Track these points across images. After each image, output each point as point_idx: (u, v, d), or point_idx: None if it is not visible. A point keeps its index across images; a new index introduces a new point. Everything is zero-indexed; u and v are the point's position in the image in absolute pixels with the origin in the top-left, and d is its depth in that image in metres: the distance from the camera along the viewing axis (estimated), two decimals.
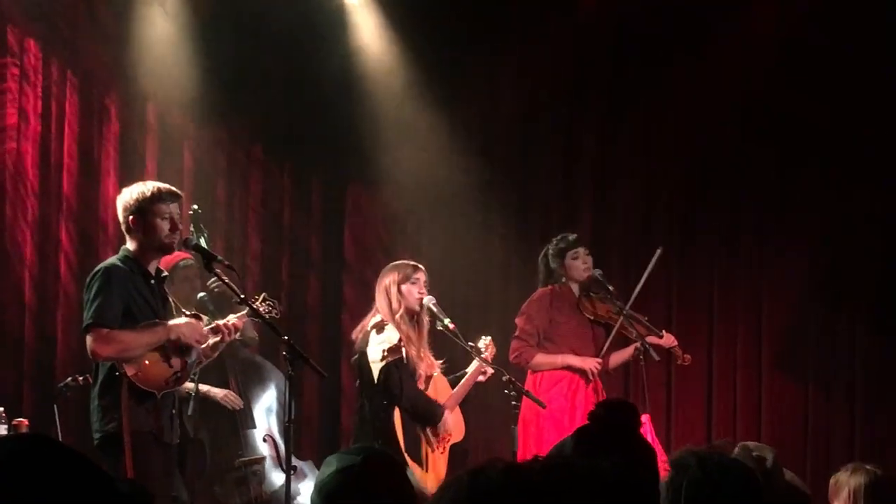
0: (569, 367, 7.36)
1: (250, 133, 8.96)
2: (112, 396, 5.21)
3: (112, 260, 5.47)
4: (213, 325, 5.64)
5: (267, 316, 5.79)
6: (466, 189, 9.23)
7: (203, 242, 5.94)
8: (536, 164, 9.29)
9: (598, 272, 7.46)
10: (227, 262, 5.63)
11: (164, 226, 5.38)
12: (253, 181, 8.99)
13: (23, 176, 7.80)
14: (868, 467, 4.85)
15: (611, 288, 7.44)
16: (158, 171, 8.11)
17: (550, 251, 7.52)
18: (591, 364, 7.34)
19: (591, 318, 7.48)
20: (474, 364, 6.76)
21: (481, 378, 6.80)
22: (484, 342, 6.89)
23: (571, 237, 7.51)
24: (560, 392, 7.33)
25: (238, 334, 5.83)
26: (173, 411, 5.41)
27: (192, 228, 6.64)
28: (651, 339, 7.52)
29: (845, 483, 4.75)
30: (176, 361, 5.36)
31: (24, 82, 7.80)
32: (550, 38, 9.08)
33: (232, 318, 5.70)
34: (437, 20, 8.94)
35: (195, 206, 6.82)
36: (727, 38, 8.78)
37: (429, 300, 6.58)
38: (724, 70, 8.84)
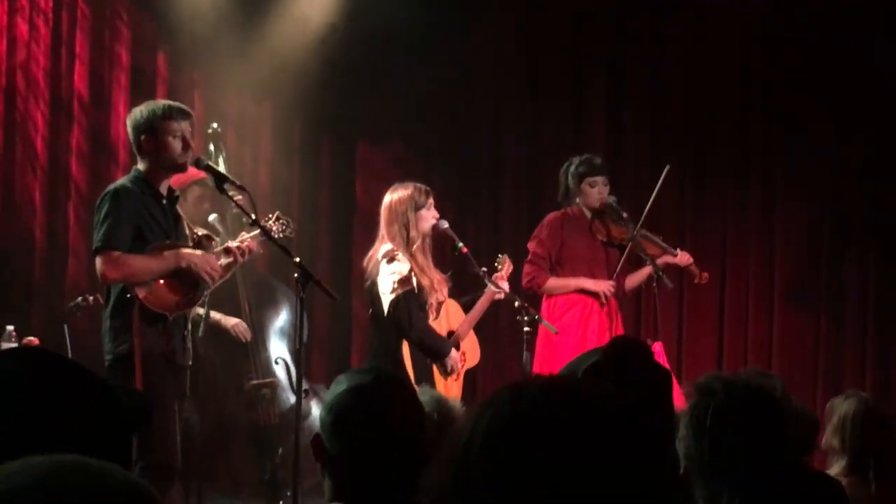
0: (582, 290, 7.32)
1: (262, 89, 8.88)
2: (123, 318, 5.20)
3: (122, 181, 5.42)
4: (224, 245, 5.61)
5: (281, 235, 5.75)
6: (476, 120, 9.24)
7: (221, 161, 5.88)
8: (546, 110, 9.24)
9: (612, 199, 7.37)
10: (238, 183, 5.57)
11: (176, 144, 5.32)
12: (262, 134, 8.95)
13: (34, 87, 7.77)
14: (863, 394, 4.83)
15: (624, 215, 7.36)
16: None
17: (571, 170, 7.43)
18: (604, 286, 7.28)
19: (605, 240, 7.42)
20: (488, 286, 6.71)
21: (498, 296, 6.73)
22: (500, 259, 6.85)
23: (596, 162, 7.39)
24: (574, 316, 7.29)
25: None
26: (185, 333, 5.39)
27: (211, 147, 6.61)
28: (666, 257, 7.46)
29: (838, 407, 4.74)
30: (188, 284, 5.33)
31: None
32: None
33: (246, 238, 5.66)
34: None
35: (214, 125, 6.78)
36: None
37: (442, 223, 6.51)
38: (736, 12, 8.75)
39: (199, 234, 5.54)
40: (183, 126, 5.34)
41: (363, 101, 9.02)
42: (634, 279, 7.51)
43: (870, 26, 8.51)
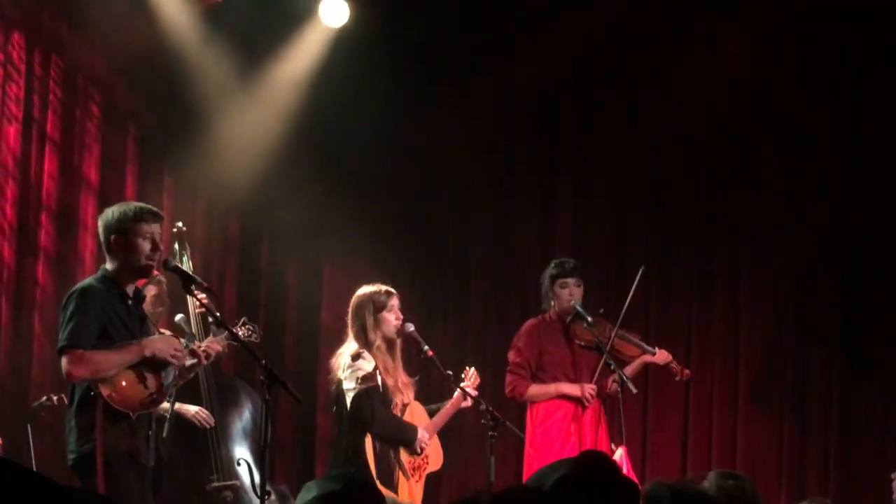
0: (563, 395, 7.34)
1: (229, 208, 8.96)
2: (88, 417, 5.17)
3: (89, 280, 5.43)
4: (189, 347, 5.62)
5: (247, 339, 5.77)
6: (442, 217, 9.29)
7: (185, 261, 5.87)
8: (514, 199, 9.34)
9: (577, 304, 7.40)
10: (205, 284, 5.59)
11: (145, 246, 5.34)
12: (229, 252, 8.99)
13: (1, 179, 7.75)
14: (827, 501, 4.83)
15: (590, 319, 7.37)
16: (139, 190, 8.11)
17: (547, 273, 7.50)
18: (584, 390, 7.30)
19: (583, 343, 7.45)
20: (455, 394, 6.73)
21: (465, 404, 6.75)
22: (466, 372, 6.86)
23: (568, 265, 7.46)
24: (557, 421, 7.30)
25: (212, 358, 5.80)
26: (150, 432, 5.37)
27: (175, 245, 6.62)
28: (645, 357, 7.49)
29: None
30: (152, 383, 5.31)
31: (9, 75, 7.76)
32: (523, 74, 9.15)
33: (212, 341, 5.67)
34: (402, 66, 8.97)
35: (179, 224, 6.81)
36: (697, 63, 8.82)
37: (408, 326, 6.55)
38: (695, 96, 8.90)
39: (166, 334, 5.55)
40: (153, 229, 5.36)
41: (328, 219, 9.06)
42: (609, 382, 7.53)
43: (820, 131, 8.69)
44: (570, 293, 7.40)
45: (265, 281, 9.08)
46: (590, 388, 7.30)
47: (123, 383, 5.22)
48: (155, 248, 5.37)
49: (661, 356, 7.55)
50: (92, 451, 5.11)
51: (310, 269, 9.27)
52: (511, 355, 7.48)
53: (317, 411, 8.90)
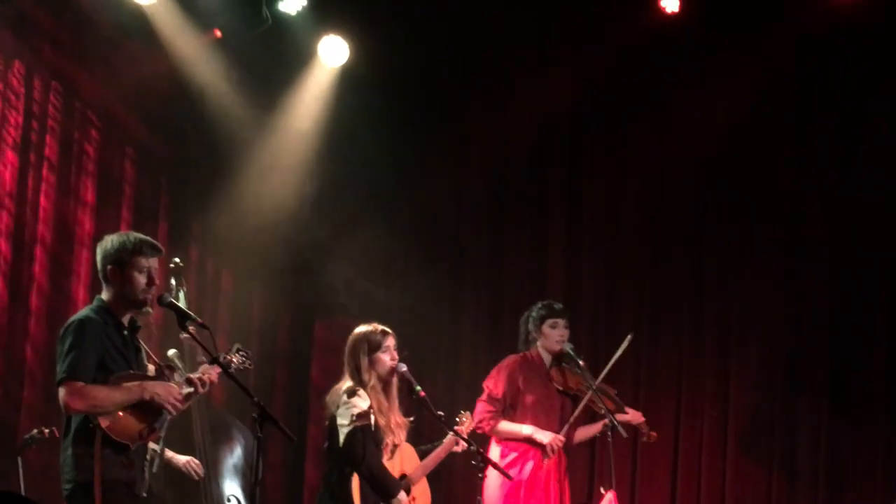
0: (530, 441, 7.33)
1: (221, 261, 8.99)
2: (86, 446, 5.15)
3: (85, 311, 5.41)
4: (186, 376, 5.61)
5: (241, 367, 5.77)
6: (436, 259, 9.30)
7: (182, 296, 5.85)
8: (506, 241, 9.37)
9: (569, 346, 7.43)
10: (200, 321, 5.58)
11: (142, 279, 5.33)
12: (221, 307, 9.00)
13: None
14: None
15: (581, 363, 7.40)
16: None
17: (532, 314, 7.51)
18: (552, 441, 7.30)
19: (561, 388, 7.45)
20: (447, 437, 6.72)
21: (456, 448, 6.75)
22: (462, 415, 6.85)
23: (557, 306, 7.50)
24: (519, 464, 7.29)
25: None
26: (145, 464, 5.36)
27: (172, 281, 6.61)
28: (617, 415, 7.49)
29: None
30: (150, 415, 5.30)
31: (7, 101, 7.78)
32: (516, 117, 9.19)
33: (208, 370, 5.66)
34: (398, 111, 9.03)
35: (176, 259, 6.80)
36: (691, 109, 8.89)
37: (400, 367, 6.55)
38: (688, 143, 8.97)
39: (161, 364, 5.54)
40: (151, 262, 5.35)
41: (319, 277, 9.07)
42: (584, 433, 7.54)
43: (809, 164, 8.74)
44: (561, 334, 7.42)
45: (256, 338, 9.07)
46: (558, 439, 7.30)
47: (121, 415, 5.21)
48: (151, 282, 5.36)
49: (634, 416, 7.58)
50: (89, 480, 5.09)
51: (300, 327, 9.27)
52: (488, 385, 7.47)
53: (306, 462, 8.89)
